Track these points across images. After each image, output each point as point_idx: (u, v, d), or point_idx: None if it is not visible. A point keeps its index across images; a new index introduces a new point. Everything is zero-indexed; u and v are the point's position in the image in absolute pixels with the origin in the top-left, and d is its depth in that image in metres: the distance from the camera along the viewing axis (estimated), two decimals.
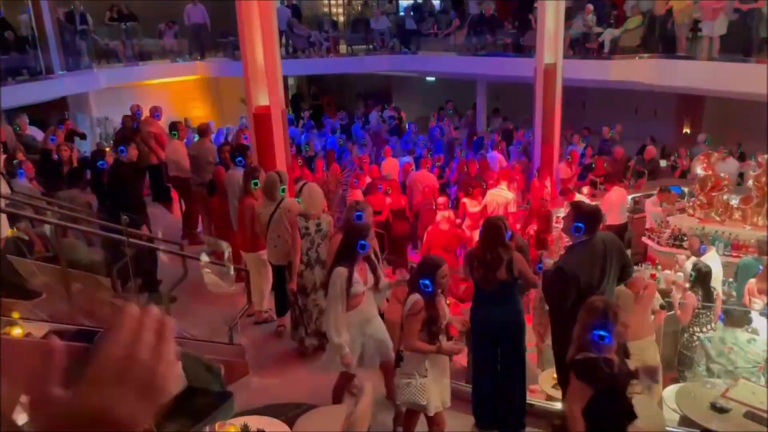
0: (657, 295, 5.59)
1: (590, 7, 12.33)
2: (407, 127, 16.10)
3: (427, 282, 3.88)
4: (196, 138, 9.24)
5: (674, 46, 11.44)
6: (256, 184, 6.32)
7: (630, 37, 11.95)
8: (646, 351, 4.95)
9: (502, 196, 8.92)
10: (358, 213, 5.05)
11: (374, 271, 4.52)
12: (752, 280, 6.37)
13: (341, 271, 4.29)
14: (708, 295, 5.89)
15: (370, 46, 16.49)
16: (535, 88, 11.29)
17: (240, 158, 7.24)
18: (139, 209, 6.61)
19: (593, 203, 5.66)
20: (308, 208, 5.55)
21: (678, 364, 5.98)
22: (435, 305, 3.95)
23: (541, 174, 10.22)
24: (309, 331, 5.69)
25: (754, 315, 5.87)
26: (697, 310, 5.81)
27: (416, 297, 3.94)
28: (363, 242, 4.29)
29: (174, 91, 16.25)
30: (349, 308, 4.36)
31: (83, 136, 11.76)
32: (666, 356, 6.02)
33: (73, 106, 14.52)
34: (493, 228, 4.48)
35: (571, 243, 4.41)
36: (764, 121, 12.31)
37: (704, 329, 5.87)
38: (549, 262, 5.69)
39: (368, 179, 10.18)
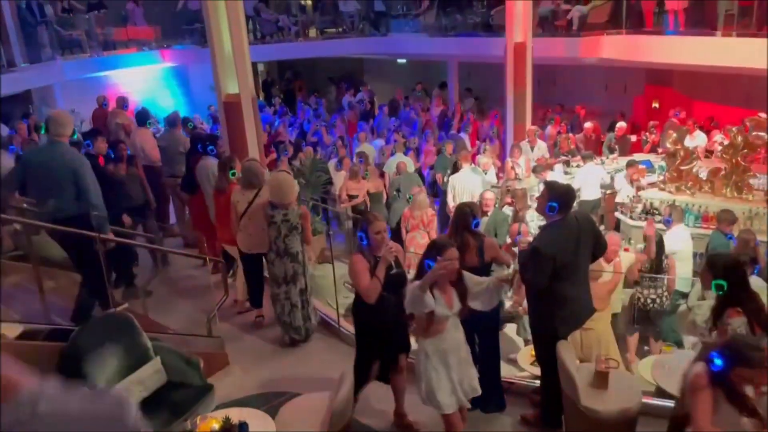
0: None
1: None
2: (378, 110, 16.03)
3: (719, 360, 2.95)
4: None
5: (641, 21, 11.54)
6: (233, 173, 6.26)
7: (598, 14, 12.02)
8: (601, 321, 5.05)
9: (467, 179, 8.91)
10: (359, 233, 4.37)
11: (463, 297, 3.87)
12: None
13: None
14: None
15: (340, 29, 16.35)
16: (505, 67, 11.31)
17: (212, 147, 7.17)
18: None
19: (566, 182, 5.71)
20: (274, 197, 5.49)
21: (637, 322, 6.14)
22: (730, 382, 2.97)
23: (513, 153, 10.25)
24: (286, 322, 5.71)
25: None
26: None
27: (699, 367, 3.03)
28: (429, 262, 3.72)
29: (142, 79, 15.96)
30: (429, 335, 3.81)
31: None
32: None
33: (37, 99, 14.17)
34: (459, 214, 4.55)
35: (545, 222, 4.45)
36: (731, 94, 12.53)
37: (649, 293, 6.03)
38: (524, 241, 5.74)
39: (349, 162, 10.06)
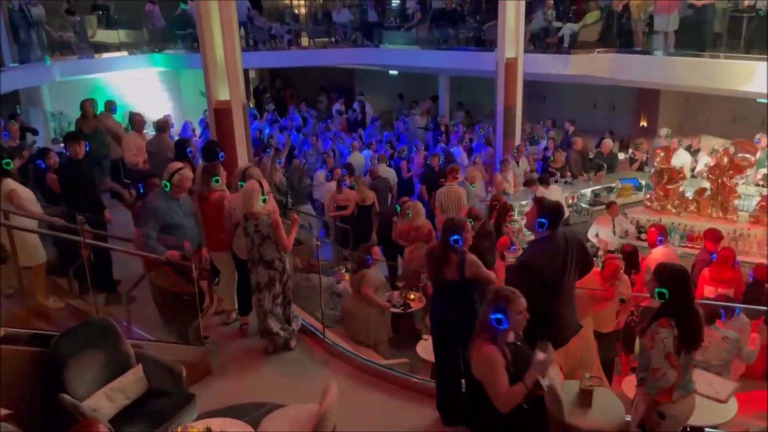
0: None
1: (551, 2, 12.46)
2: (370, 122, 16.04)
3: None
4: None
5: (631, 40, 11.66)
6: (217, 180, 6.20)
7: (589, 32, 12.13)
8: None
9: (453, 192, 8.89)
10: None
11: None
12: (705, 270, 6.55)
13: None
14: None
15: (333, 39, 16.40)
16: (496, 82, 11.37)
17: (222, 153, 7.05)
18: (94, 207, 6.44)
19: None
20: (242, 206, 5.46)
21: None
22: None
23: (503, 167, 10.30)
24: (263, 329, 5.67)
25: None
26: None
27: None
28: None
29: (132, 83, 15.87)
30: None
31: (35, 132, 11.44)
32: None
33: (25, 100, 14.06)
34: (444, 228, 4.52)
35: (534, 238, 4.45)
36: (719, 115, 12.68)
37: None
38: (511, 257, 5.75)
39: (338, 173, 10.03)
